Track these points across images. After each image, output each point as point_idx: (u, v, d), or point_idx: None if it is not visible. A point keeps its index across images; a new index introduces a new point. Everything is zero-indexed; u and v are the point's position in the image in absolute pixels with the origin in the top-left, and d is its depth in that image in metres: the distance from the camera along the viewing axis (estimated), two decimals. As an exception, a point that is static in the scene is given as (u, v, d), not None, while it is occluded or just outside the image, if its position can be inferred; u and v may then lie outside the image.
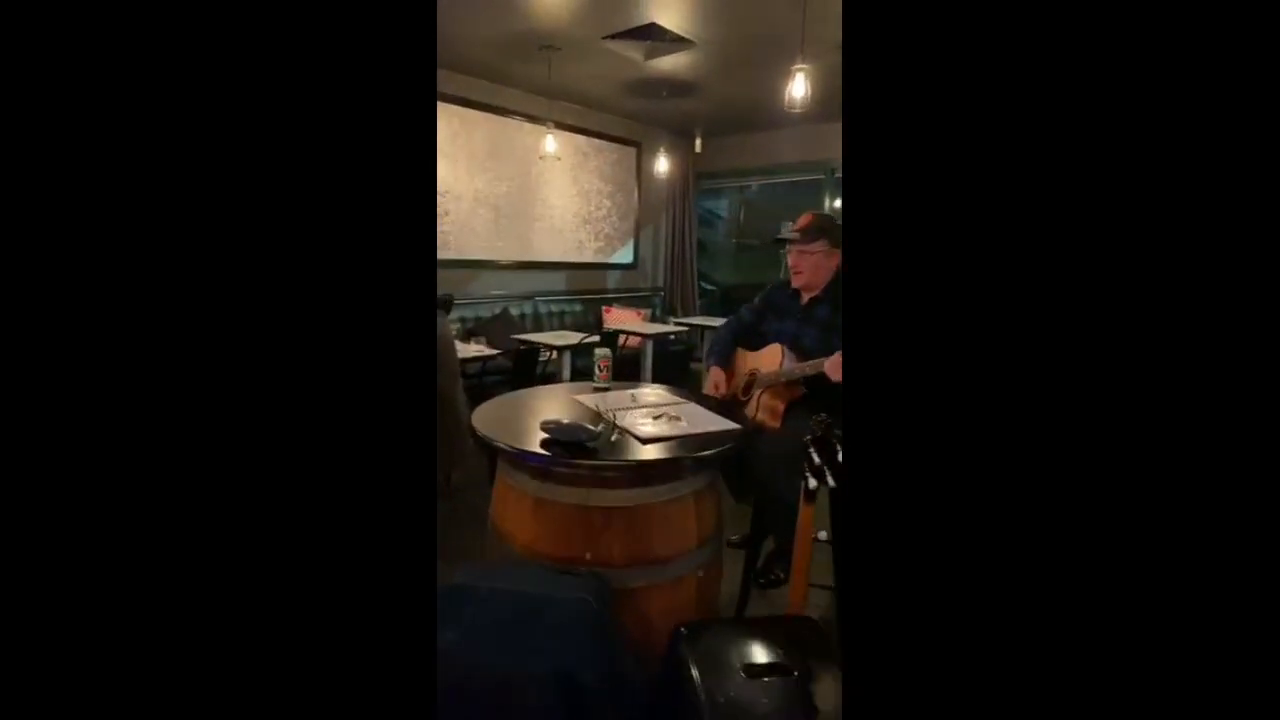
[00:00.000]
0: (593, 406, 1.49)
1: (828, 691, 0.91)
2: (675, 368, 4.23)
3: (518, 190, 3.93)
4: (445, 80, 3.45)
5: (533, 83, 3.66)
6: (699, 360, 4.23)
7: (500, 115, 3.77)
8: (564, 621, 0.98)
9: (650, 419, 1.39)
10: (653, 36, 2.88)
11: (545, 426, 1.24)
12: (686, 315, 4.79)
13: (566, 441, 1.21)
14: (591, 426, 1.24)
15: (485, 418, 1.41)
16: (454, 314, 3.43)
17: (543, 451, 1.20)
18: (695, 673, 0.92)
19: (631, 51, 3.08)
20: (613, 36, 2.91)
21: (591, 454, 1.19)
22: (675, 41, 2.93)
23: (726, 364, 1.88)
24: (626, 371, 3.27)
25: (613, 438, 1.26)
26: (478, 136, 3.67)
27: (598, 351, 1.70)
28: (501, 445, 1.24)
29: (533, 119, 3.90)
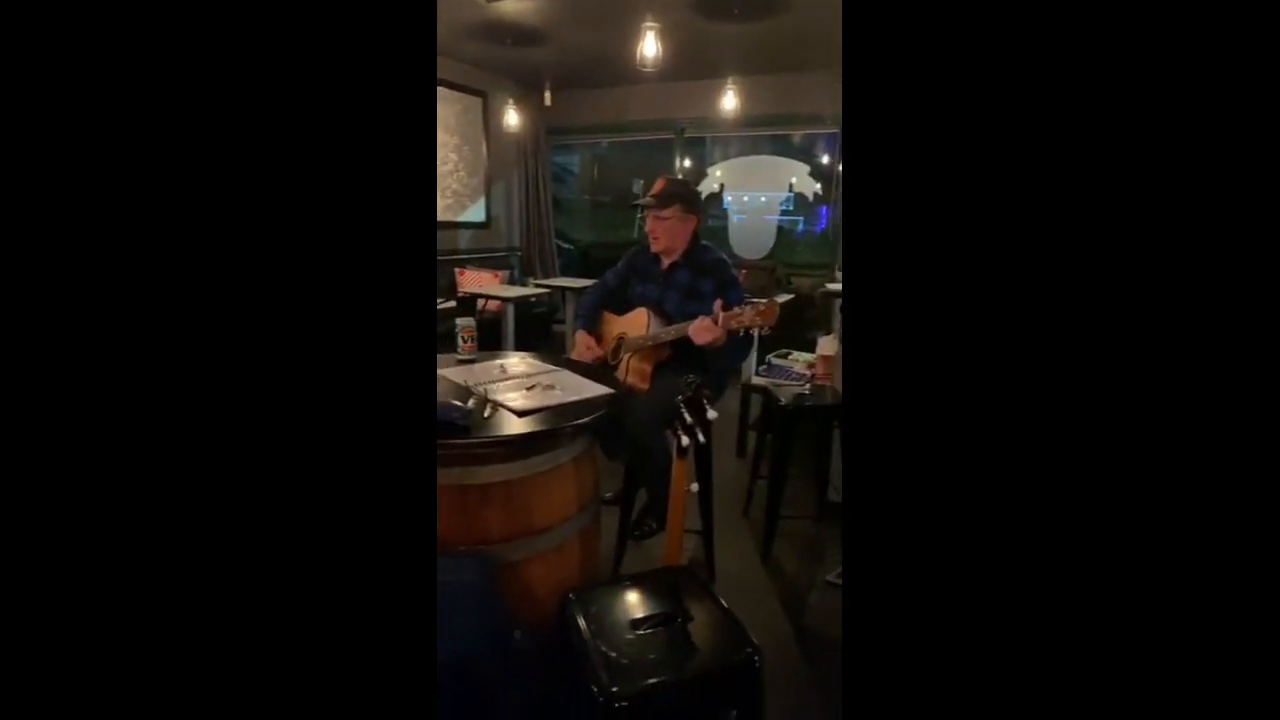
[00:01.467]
0: (460, 381, 1.42)
1: (705, 631, 1.00)
2: (538, 331, 4.16)
3: (348, 140, 3.51)
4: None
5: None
6: (562, 322, 4.20)
7: (320, 52, 3.30)
8: (448, 608, 0.95)
9: (523, 390, 1.37)
10: (495, -24, 2.68)
11: (410, 407, 1.16)
12: (546, 276, 4.70)
13: (438, 421, 1.15)
14: (461, 403, 1.19)
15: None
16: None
17: (410, 434, 1.13)
18: (587, 633, 0.95)
19: (472, -9, 2.85)
20: (450, -28, 2.66)
21: (463, 432, 1.14)
22: (519, -16, 2.76)
23: (594, 328, 1.89)
24: (487, 337, 3.15)
25: (485, 414, 1.22)
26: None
27: (460, 321, 1.62)
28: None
29: (360, 59, 3.47)
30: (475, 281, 4.00)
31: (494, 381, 1.43)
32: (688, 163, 4.70)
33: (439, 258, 4.09)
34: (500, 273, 4.21)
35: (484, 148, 4.44)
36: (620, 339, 1.81)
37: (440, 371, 1.52)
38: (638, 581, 1.13)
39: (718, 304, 1.48)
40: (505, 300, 3.46)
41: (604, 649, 0.92)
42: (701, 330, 1.50)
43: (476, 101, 4.31)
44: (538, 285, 4.05)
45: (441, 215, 4.19)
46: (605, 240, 5.37)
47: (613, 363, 1.80)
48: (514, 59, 3.91)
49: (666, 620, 0.99)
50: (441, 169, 4.13)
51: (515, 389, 1.38)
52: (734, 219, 4.71)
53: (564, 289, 3.93)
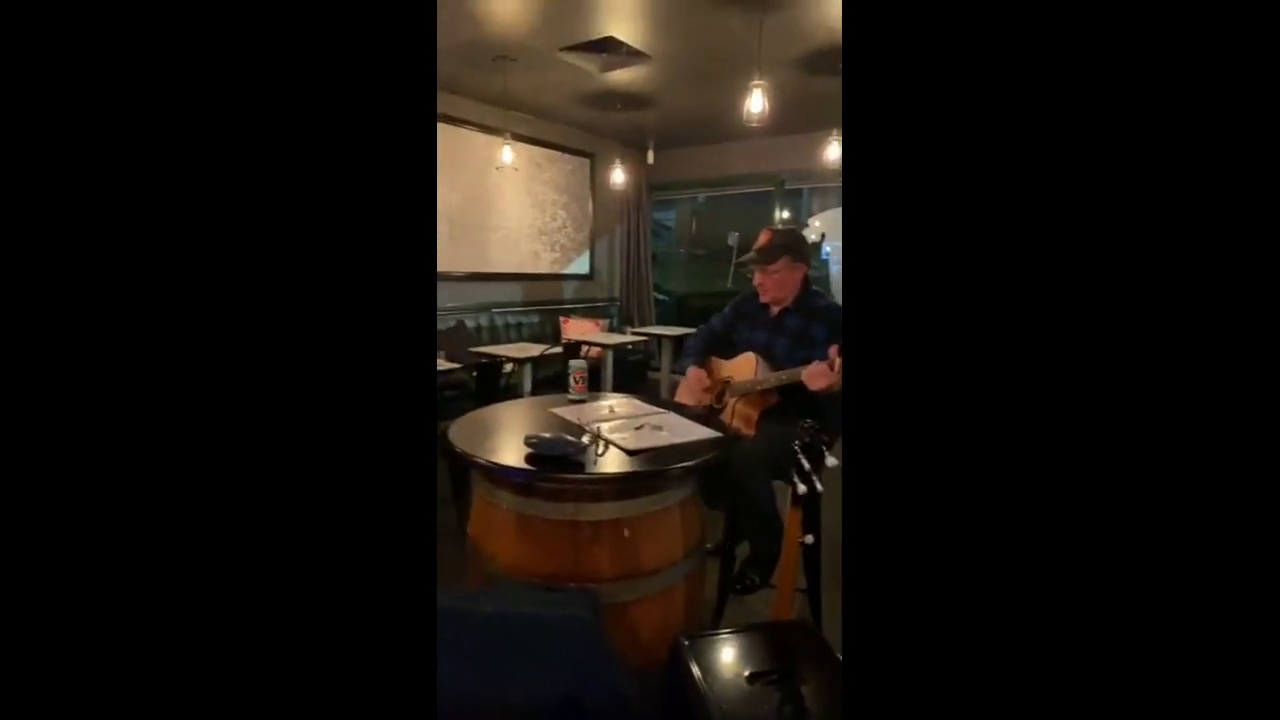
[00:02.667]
0: (572, 419, 1.47)
1: (817, 693, 0.93)
2: (635, 377, 4.24)
3: (472, 201, 3.86)
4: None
5: (487, 93, 3.61)
6: (657, 369, 4.26)
7: (454, 125, 3.70)
8: (564, 642, 0.96)
9: (632, 430, 1.39)
10: (609, 50, 2.90)
11: (529, 441, 1.22)
12: (643, 325, 4.82)
13: (552, 456, 1.19)
14: (576, 440, 1.23)
15: (462, 434, 1.37)
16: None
17: (528, 467, 1.18)
18: (701, 682, 0.92)
19: (587, 64, 3.09)
20: (569, 49, 2.91)
21: (578, 468, 1.18)
22: (631, 55, 2.96)
23: (703, 365, 1.90)
24: (588, 381, 3.26)
25: (600, 451, 1.25)
26: (429, 146, 3.59)
27: (573, 363, 1.69)
28: (483, 461, 1.21)
29: (487, 129, 3.85)
30: (578, 329, 4.16)
31: (604, 420, 1.47)
32: (786, 214, 4.71)
33: (546, 308, 4.32)
34: (600, 321, 4.37)
35: (590, 205, 4.71)
36: (726, 383, 1.80)
37: (553, 410, 1.58)
38: (753, 633, 1.08)
39: (834, 349, 1.45)
40: (606, 347, 3.58)
41: (718, 699, 0.89)
42: (816, 375, 1.46)
43: (584, 162, 4.61)
44: (635, 333, 4.15)
45: (550, 268, 4.45)
46: (700, 291, 5.45)
47: (717, 407, 1.80)
48: (621, 121, 4.17)
49: (784, 677, 0.94)
50: (551, 225, 4.42)
51: (625, 429, 1.40)
52: (833, 269, 4.62)
53: (659, 337, 4.00)
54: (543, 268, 4.39)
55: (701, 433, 1.39)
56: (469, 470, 2.38)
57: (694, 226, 5.82)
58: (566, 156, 4.45)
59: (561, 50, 2.93)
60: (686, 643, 1.02)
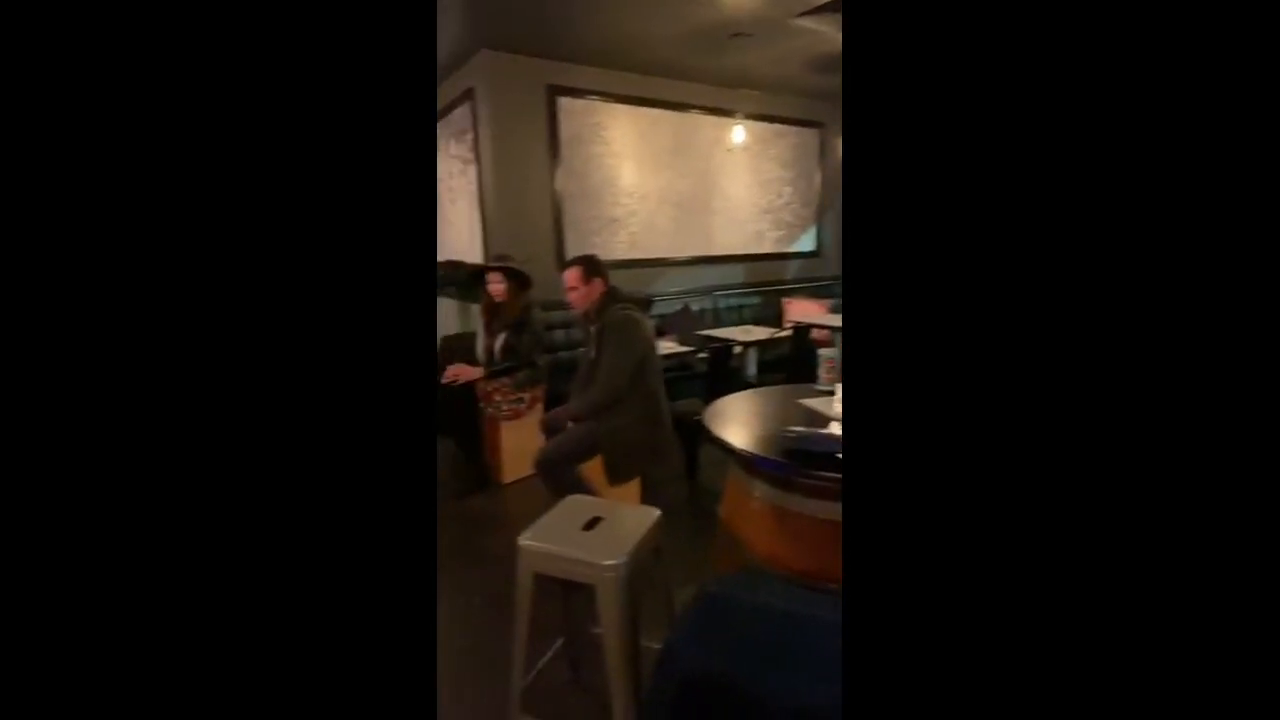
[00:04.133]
0: (825, 412, 1.40)
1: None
2: (864, 362, 3.95)
3: (699, 185, 3.93)
4: (627, 83, 3.51)
5: (713, 74, 3.61)
6: (889, 354, 3.90)
7: (680, 111, 3.78)
8: (829, 645, 0.92)
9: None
10: (852, 6, 2.67)
11: (788, 436, 1.19)
12: (872, 305, 4.45)
13: (816, 452, 1.14)
14: (839, 437, 1.16)
15: (716, 421, 1.40)
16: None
17: (792, 462, 1.15)
18: None
19: (826, 25, 2.89)
20: (807, 13, 2.75)
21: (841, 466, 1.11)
22: (877, 8, 2.69)
23: None
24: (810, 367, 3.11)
25: (867, 450, 1.17)
26: (659, 135, 3.72)
27: (823, 352, 1.62)
28: (742, 451, 1.22)
29: (712, 111, 3.86)
30: (802, 311, 4.01)
31: (862, 416, 1.37)
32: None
33: (768, 289, 4.24)
34: (826, 301, 4.14)
35: (817, 178, 4.46)
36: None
37: (801, 401, 1.53)
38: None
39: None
40: (833, 329, 3.38)
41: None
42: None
43: (813, 134, 4.37)
44: (866, 314, 3.85)
45: (773, 247, 4.34)
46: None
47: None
48: (856, 85, 3.84)
49: None
50: (776, 202, 4.29)
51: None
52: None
53: (896, 319, 3.64)
54: (766, 247, 4.30)
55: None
56: (698, 449, 2.46)
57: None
58: (793, 130, 4.27)
59: (799, 16, 2.78)
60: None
